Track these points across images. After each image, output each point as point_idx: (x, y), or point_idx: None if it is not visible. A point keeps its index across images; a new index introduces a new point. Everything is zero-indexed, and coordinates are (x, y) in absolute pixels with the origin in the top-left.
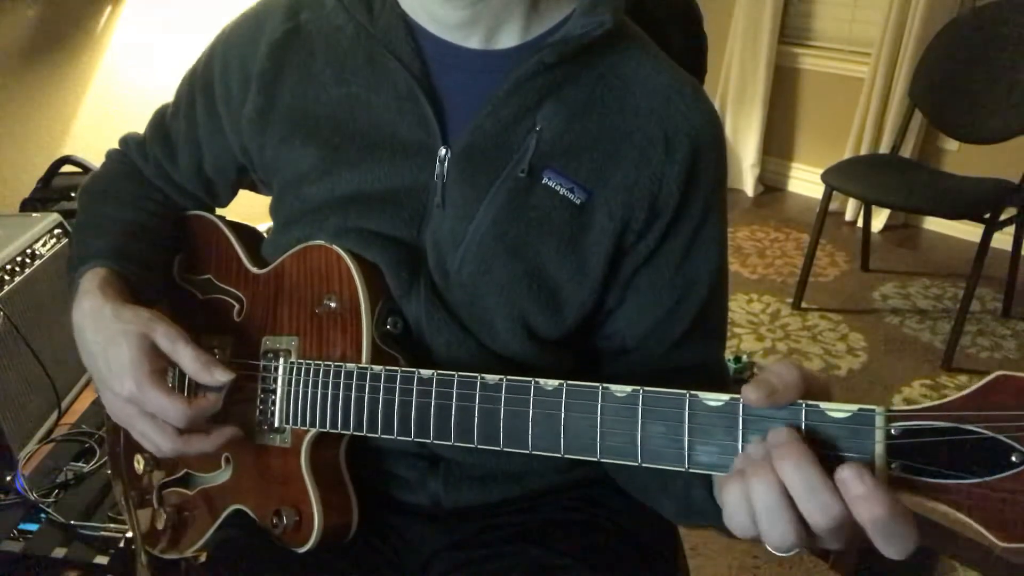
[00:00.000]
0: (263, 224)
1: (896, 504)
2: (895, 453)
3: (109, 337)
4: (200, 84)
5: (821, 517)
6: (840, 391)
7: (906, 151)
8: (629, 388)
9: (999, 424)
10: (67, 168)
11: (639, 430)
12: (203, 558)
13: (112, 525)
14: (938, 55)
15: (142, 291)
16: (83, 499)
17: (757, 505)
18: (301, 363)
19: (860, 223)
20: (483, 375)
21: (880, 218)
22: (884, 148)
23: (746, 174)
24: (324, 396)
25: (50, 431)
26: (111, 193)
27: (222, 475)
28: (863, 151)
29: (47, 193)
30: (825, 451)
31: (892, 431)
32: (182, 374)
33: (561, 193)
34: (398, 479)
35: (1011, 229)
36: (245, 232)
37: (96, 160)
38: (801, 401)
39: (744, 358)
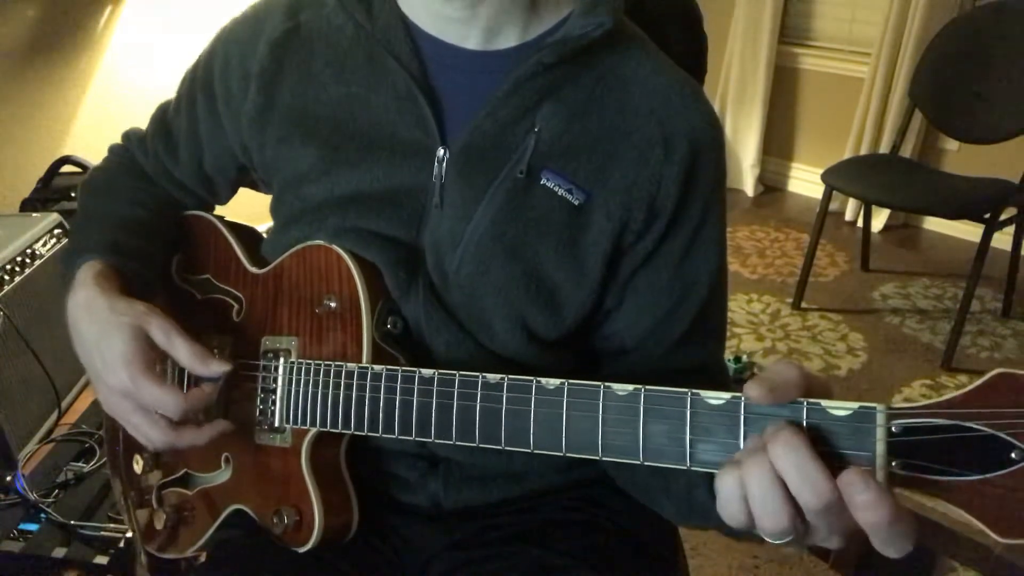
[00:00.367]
0: (263, 224)
1: (899, 509)
2: (896, 451)
3: (103, 329)
4: (200, 82)
5: (812, 498)
6: (840, 391)
7: (906, 151)
8: (631, 387)
9: (999, 421)
10: (67, 168)
11: (641, 429)
12: (203, 558)
13: (112, 525)
14: (938, 55)
15: (137, 286)
16: (83, 499)
17: (751, 489)
18: (301, 363)
19: (860, 223)
20: (484, 374)
21: (880, 218)
22: (884, 148)
23: (746, 174)
24: (325, 396)
25: (50, 431)
26: (111, 188)
27: (222, 475)
28: (863, 151)
29: (47, 193)
30: (826, 449)
31: (893, 429)
32: (178, 369)
33: (560, 194)
34: (398, 479)
35: (1011, 229)
36: (244, 232)
37: (96, 160)
38: (802, 399)
39: (744, 358)
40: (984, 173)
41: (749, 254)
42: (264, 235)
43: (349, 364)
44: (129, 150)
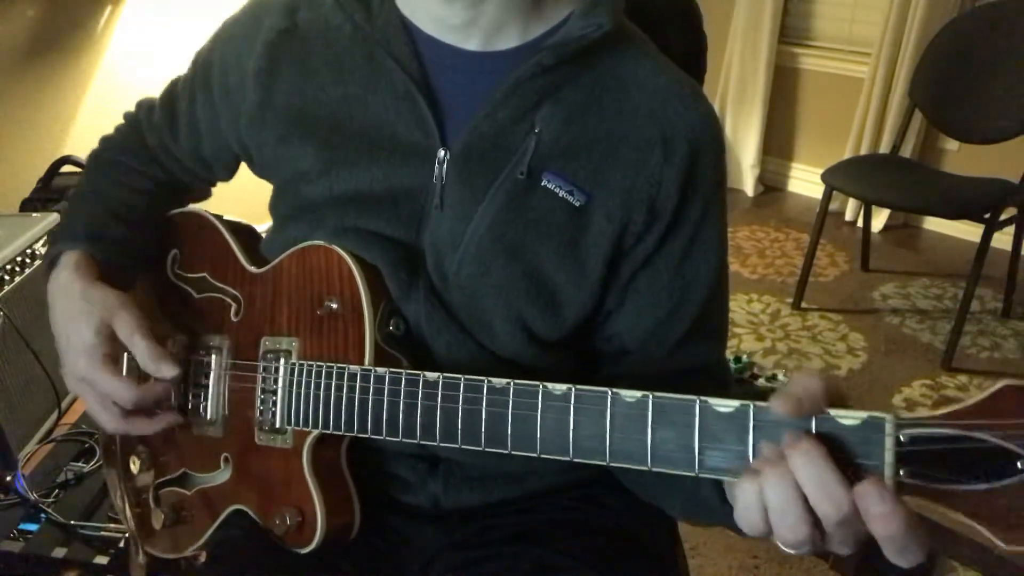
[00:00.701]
0: (262, 224)
1: (912, 520)
2: (904, 460)
3: (72, 315)
4: (200, 78)
5: (831, 510)
6: None
7: (906, 151)
8: (639, 393)
9: (1006, 432)
10: (67, 168)
11: (649, 435)
12: (202, 558)
13: (112, 525)
14: (938, 55)
15: (117, 275)
16: (83, 499)
17: (770, 501)
18: (302, 364)
19: (860, 223)
20: (490, 379)
21: (880, 218)
22: (884, 148)
23: (746, 174)
24: (327, 398)
25: (50, 431)
26: (112, 165)
27: (221, 475)
28: (863, 151)
29: (47, 193)
30: (835, 457)
31: (901, 438)
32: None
33: (560, 195)
34: (398, 480)
35: (1011, 229)
36: (243, 231)
37: None
38: None
39: (744, 358)
40: (984, 173)
41: (749, 254)
42: (263, 235)
43: (352, 366)
44: (138, 118)
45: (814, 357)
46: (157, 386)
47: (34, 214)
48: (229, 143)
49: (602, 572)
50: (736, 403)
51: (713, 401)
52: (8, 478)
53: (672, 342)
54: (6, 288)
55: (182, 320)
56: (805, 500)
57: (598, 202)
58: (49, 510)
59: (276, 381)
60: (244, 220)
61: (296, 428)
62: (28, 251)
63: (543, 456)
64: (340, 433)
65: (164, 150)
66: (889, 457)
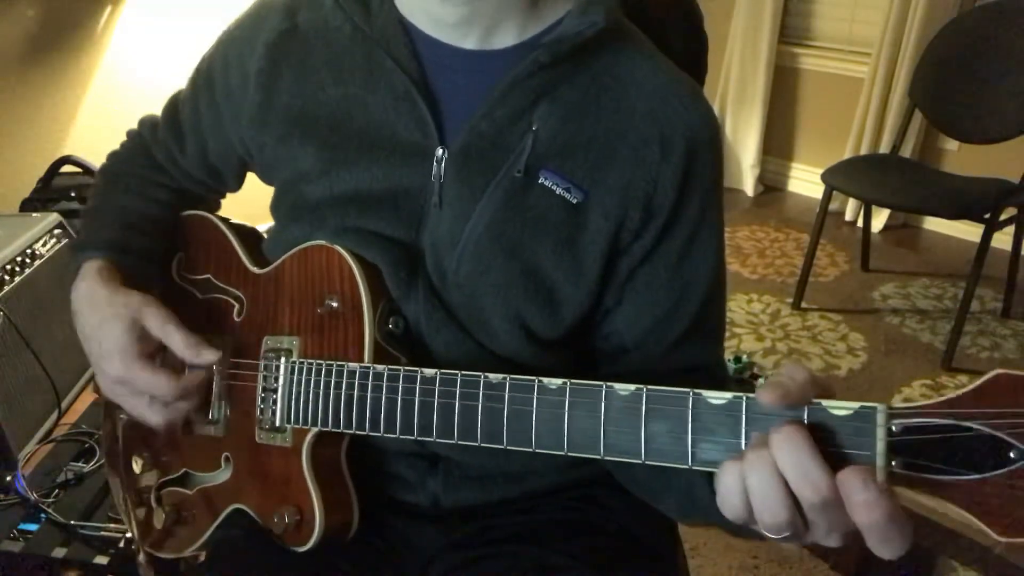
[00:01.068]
0: (263, 224)
1: (896, 509)
2: (896, 450)
3: (101, 320)
4: (203, 80)
5: (811, 493)
6: (840, 391)
7: (906, 151)
8: (633, 386)
9: (998, 421)
10: (67, 168)
11: (643, 428)
12: (202, 557)
13: (112, 525)
14: (938, 55)
15: (139, 281)
16: (83, 499)
17: (751, 484)
18: (303, 362)
19: (860, 223)
20: (487, 374)
21: (880, 218)
22: (884, 148)
23: (746, 174)
24: (327, 395)
25: (50, 431)
26: (124, 178)
27: (221, 474)
28: (863, 151)
29: (47, 193)
30: (827, 448)
31: (893, 428)
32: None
33: (558, 193)
34: (397, 478)
35: (1011, 229)
36: (246, 232)
37: (96, 160)
38: None
39: (744, 358)
40: (984, 173)
41: (749, 254)
42: (265, 235)
43: (351, 364)
44: (143, 136)
45: (814, 357)
46: (196, 374)
47: (34, 214)
48: (233, 145)
49: (602, 572)
50: (729, 395)
51: (706, 394)
52: (8, 478)
53: (670, 341)
54: (6, 288)
55: (186, 321)
56: (786, 484)
57: (595, 200)
58: (49, 510)
59: (277, 379)
60: (244, 221)
61: (296, 426)
62: (28, 251)
63: (538, 451)
64: (339, 431)
65: (173, 164)
66: (881, 447)
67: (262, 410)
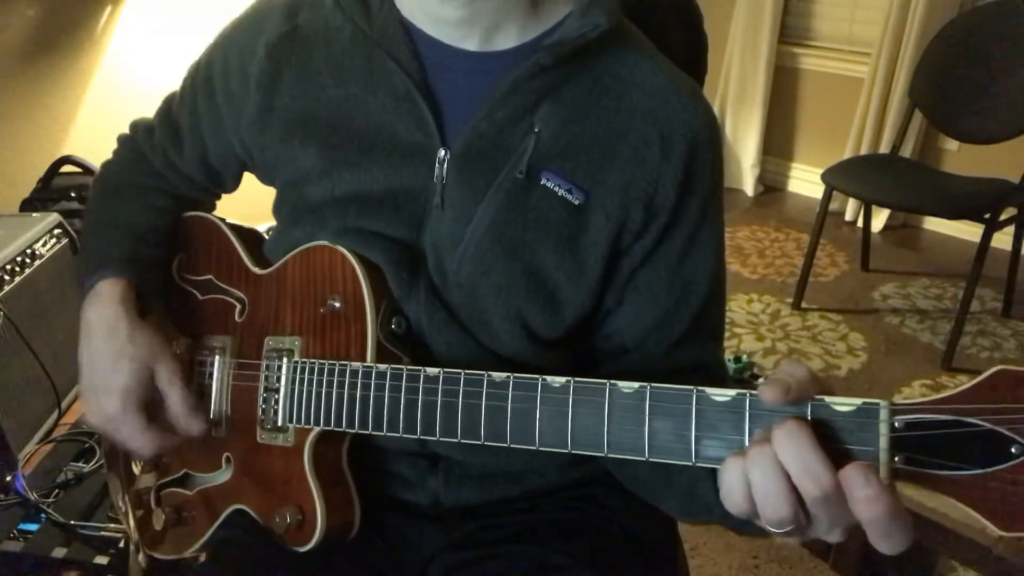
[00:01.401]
0: (263, 224)
1: (897, 505)
2: (898, 446)
3: (117, 355)
4: (202, 81)
5: (813, 488)
6: (840, 391)
7: (906, 151)
8: (636, 384)
9: (999, 416)
10: (67, 168)
11: (646, 426)
12: (203, 558)
13: (112, 525)
14: (938, 55)
15: (149, 293)
16: (83, 499)
17: (753, 479)
18: (305, 362)
19: (860, 223)
20: (490, 373)
21: (880, 218)
22: (884, 148)
23: (746, 174)
24: (329, 395)
25: (50, 431)
26: (123, 188)
27: (222, 475)
28: (863, 151)
29: (47, 193)
30: (830, 444)
31: (896, 424)
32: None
33: (559, 194)
34: (398, 477)
35: (1011, 229)
36: (247, 233)
37: (96, 160)
38: None
39: (744, 358)
40: (984, 173)
41: (749, 254)
42: (265, 235)
43: (353, 363)
44: (137, 141)
45: (814, 357)
46: (175, 439)
47: (34, 214)
48: (233, 147)
49: (602, 572)
50: (732, 392)
51: (710, 391)
52: (8, 478)
53: (670, 341)
54: (6, 288)
55: (187, 322)
56: (788, 479)
57: (596, 201)
58: (49, 510)
59: (279, 379)
60: (244, 221)
61: (298, 426)
62: (28, 251)
63: (542, 449)
64: (341, 430)
65: (171, 168)
66: (884, 443)
67: (264, 410)
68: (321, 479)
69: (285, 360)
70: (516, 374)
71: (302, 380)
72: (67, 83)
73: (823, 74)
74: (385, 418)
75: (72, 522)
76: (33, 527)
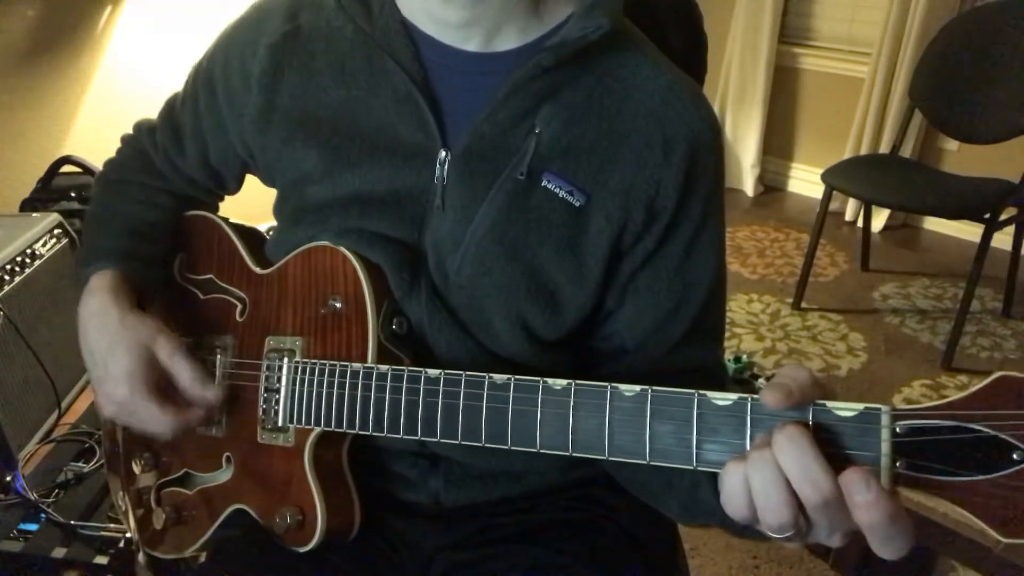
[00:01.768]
0: (264, 224)
1: (898, 510)
2: (900, 451)
3: (112, 342)
4: (203, 82)
5: (813, 493)
6: (840, 391)
7: (906, 151)
8: (638, 388)
9: (1001, 423)
10: (67, 168)
11: (647, 429)
12: (202, 558)
13: (112, 525)
14: (938, 55)
15: (146, 289)
16: (83, 499)
17: (754, 483)
18: (306, 363)
19: (860, 223)
20: (491, 375)
21: (880, 218)
22: (884, 148)
23: (746, 174)
24: (330, 395)
25: (50, 431)
26: (124, 185)
27: (222, 475)
28: (863, 151)
29: (47, 193)
30: (832, 449)
31: (897, 429)
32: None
33: (560, 195)
34: (399, 477)
35: (1011, 229)
36: (248, 233)
37: (96, 160)
38: None
39: (744, 358)
40: (984, 173)
41: (749, 254)
42: (266, 235)
43: (355, 364)
44: (140, 141)
45: (814, 357)
46: (194, 412)
47: (34, 214)
48: (235, 147)
49: (602, 572)
50: (734, 396)
51: (711, 395)
52: (8, 478)
53: (671, 342)
54: (6, 288)
55: (188, 321)
56: (788, 483)
57: (598, 202)
58: (49, 510)
59: (279, 380)
60: (244, 221)
61: (298, 427)
62: (28, 251)
63: (543, 451)
64: (342, 431)
65: (173, 169)
66: (885, 448)
67: (264, 410)
68: (321, 479)
69: (286, 360)
70: (517, 376)
71: (303, 380)
72: (67, 83)
73: (823, 74)
74: (386, 419)
75: (72, 522)
76: (33, 527)
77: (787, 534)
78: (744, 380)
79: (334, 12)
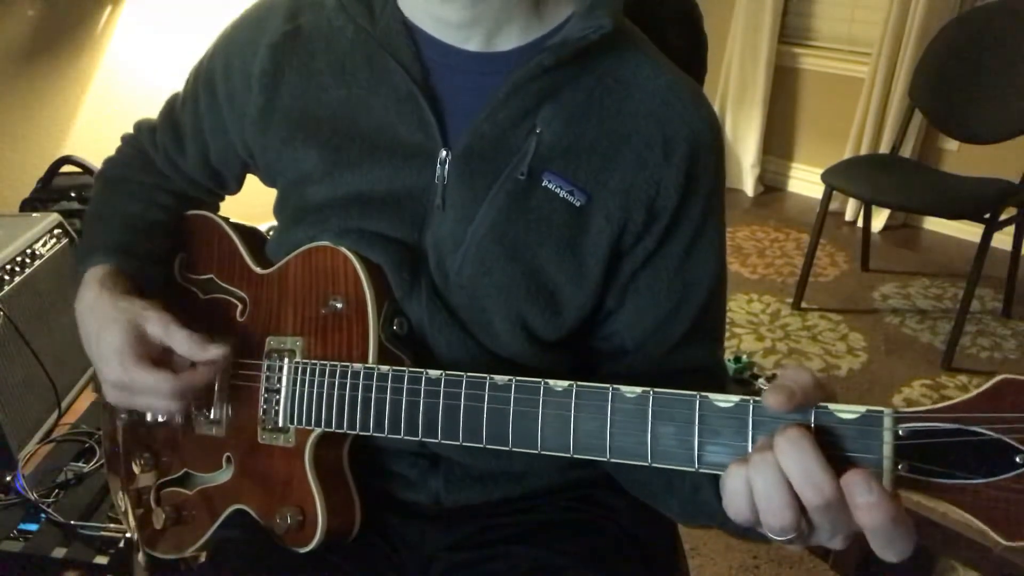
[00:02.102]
0: (264, 224)
1: (899, 512)
2: (902, 453)
3: (102, 325)
4: (203, 82)
5: (814, 496)
6: (840, 391)
7: (906, 151)
8: (639, 389)
9: (1003, 426)
10: (67, 168)
11: (649, 431)
12: (202, 558)
13: (112, 525)
14: (938, 55)
15: (145, 285)
16: (83, 499)
17: (756, 486)
18: (306, 363)
19: (860, 223)
20: (492, 376)
21: (880, 218)
22: (884, 148)
23: (746, 174)
24: (330, 396)
25: (50, 431)
26: (125, 183)
27: (222, 475)
28: (863, 151)
29: (47, 193)
30: (834, 451)
31: (900, 432)
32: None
33: (561, 195)
34: (399, 477)
35: (1011, 229)
36: (249, 233)
37: (96, 160)
38: None
39: (744, 358)
40: (984, 173)
41: (749, 254)
42: (267, 235)
43: (355, 364)
44: (140, 141)
45: (814, 357)
46: (199, 371)
47: (34, 214)
48: (235, 147)
49: (602, 572)
50: (736, 398)
51: (713, 397)
52: (8, 478)
53: (671, 342)
54: (6, 288)
55: (188, 321)
56: (790, 486)
57: (598, 203)
58: (49, 510)
59: (280, 380)
60: (244, 221)
61: (299, 427)
62: (28, 251)
63: (544, 453)
64: (342, 431)
65: (173, 168)
66: (887, 451)
67: (265, 410)
68: (322, 480)
69: (286, 361)
70: (518, 377)
71: (303, 381)
72: (67, 83)
73: (823, 74)
74: (387, 420)
75: (72, 522)
76: (33, 527)
77: (789, 536)
78: (744, 380)
79: (335, 12)
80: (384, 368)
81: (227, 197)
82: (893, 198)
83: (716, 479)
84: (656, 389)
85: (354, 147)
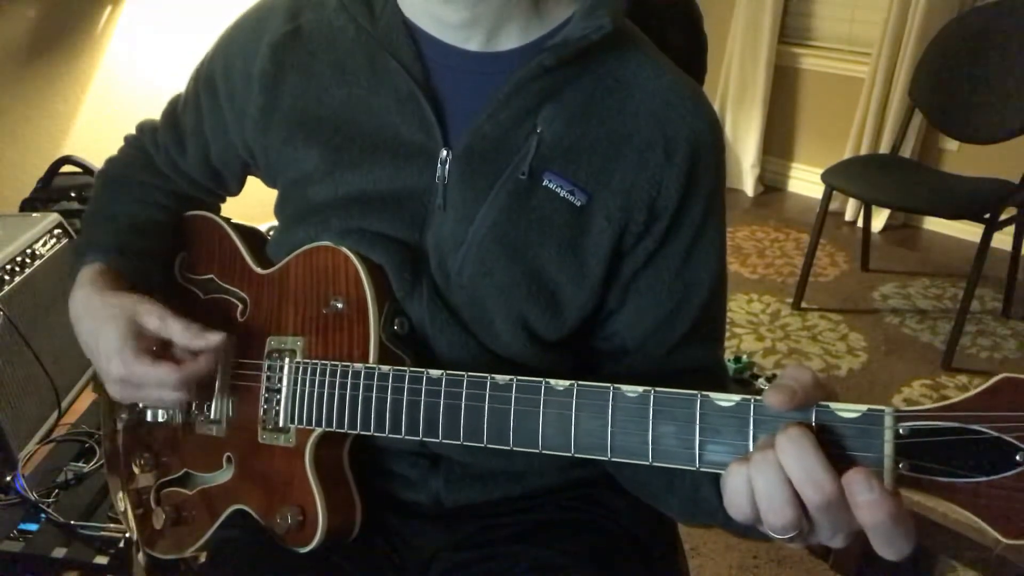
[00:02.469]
0: (265, 224)
1: (899, 510)
2: (903, 452)
3: (98, 323)
4: (204, 81)
5: (815, 494)
6: (840, 391)
7: (906, 151)
8: (640, 389)
9: (1004, 424)
10: (67, 168)
11: (650, 430)
12: (202, 558)
13: (112, 525)
14: (938, 55)
15: (139, 281)
16: (83, 499)
17: (757, 484)
18: (307, 363)
19: (860, 223)
20: (493, 375)
21: (880, 218)
22: (884, 148)
23: (746, 174)
24: (331, 396)
25: (50, 431)
26: (124, 182)
27: (223, 475)
28: (863, 151)
29: (47, 193)
30: (835, 450)
31: (900, 431)
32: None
33: (561, 195)
34: (399, 477)
35: (1011, 229)
36: (249, 234)
37: (96, 160)
38: None
39: (744, 358)
40: (984, 173)
41: (749, 254)
42: (267, 235)
43: (356, 364)
44: (142, 141)
45: (814, 357)
46: (199, 361)
47: (34, 214)
48: (236, 148)
49: (602, 572)
50: (737, 397)
51: (714, 396)
52: (8, 478)
53: (671, 342)
54: (6, 288)
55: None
56: (791, 484)
57: (599, 203)
58: (49, 510)
59: (280, 380)
60: (244, 221)
61: (299, 427)
62: (28, 251)
63: (545, 452)
64: (343, 431)
65: (174, 168)
66: (888, 449)
67: (265, 410)
68: (322, 480)
69: (287, 360)
70: (519, 377)
71: (304, 381)
72: (67, 83)
73: (823, 74)
74: (387, 420)
75: (72, 522)
76: (33, 527)
77: (790, 535)
78: (744, 380)
79: (336, 12)
80: (385, 368)
81: (227, 198)
82: (893, 198)
83: (716, 478)
84: (657, 388)
85: (355, 147)
